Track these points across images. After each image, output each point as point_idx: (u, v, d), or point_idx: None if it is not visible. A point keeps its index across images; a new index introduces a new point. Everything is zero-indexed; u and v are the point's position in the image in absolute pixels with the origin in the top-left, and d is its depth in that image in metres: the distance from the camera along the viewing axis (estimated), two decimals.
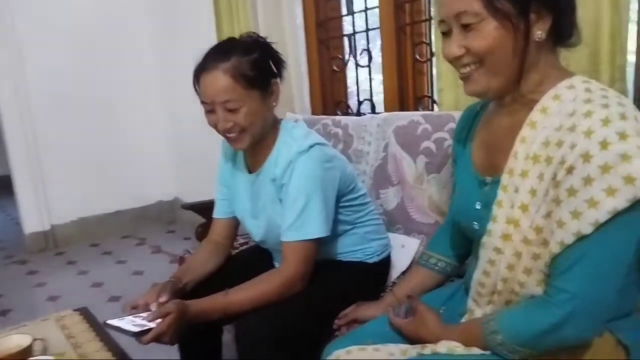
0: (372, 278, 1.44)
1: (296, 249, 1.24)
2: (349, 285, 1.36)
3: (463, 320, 1.00)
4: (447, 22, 0.87)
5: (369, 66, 2.38)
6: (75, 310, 1.47)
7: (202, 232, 2.09)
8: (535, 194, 0.82)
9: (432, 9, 2.03)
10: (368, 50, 2.36)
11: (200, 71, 1.24)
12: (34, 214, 3.53)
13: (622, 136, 0.72)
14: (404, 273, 1.49)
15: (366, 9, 2.32)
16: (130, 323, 1.11)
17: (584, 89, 0.82)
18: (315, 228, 1.24)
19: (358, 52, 2.43)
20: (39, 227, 3.56)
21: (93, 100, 3.65)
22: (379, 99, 2.32)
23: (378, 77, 2.31)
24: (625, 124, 0.73)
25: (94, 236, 3.70)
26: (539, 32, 0.82)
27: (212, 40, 2.75)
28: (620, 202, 0.72)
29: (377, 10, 2.17)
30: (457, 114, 1.43)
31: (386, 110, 2.17)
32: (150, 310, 1.17)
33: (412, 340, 1.00)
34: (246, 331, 1.17)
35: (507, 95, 0.90)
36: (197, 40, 1.62)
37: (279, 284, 1.22)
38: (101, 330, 1.31)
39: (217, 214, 1.52)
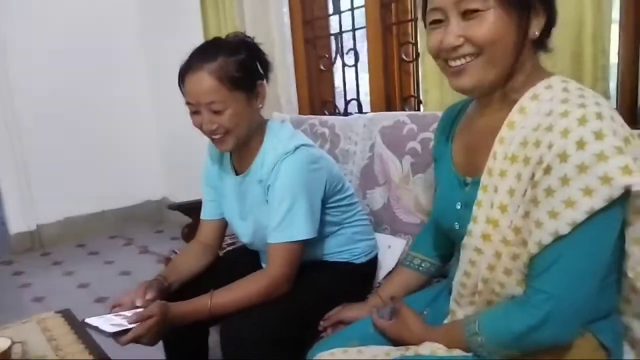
0: (359, 279, 1.44)
1: (282, 251, 1.24)
2: (336, 286, 1.35)
3: (446, 321, 1.00)
4: (443, 9, 0.83)
5: (355, 66, 2.38)
6: (57, 312, 1.46)
7: (189, 233, 2.08)
8: (513, 194, 0.82)
9: (417, 9, 2.03)
10: (355, 50, 2.36)
11: (185, 71, 1.23)
12: (20, 214, 3.50)
13: (599, 136, 0.73)
14: (390, 273, 1.49)
15: (352, 8, 2.32)
16: (109, 322, 1.10)
17: (562, 88, 0.82)
18: (301, 230, 1.24)
19: (345, 52, 2.43)
20: (24, 227, 3.52)
21: (79, 100, 3.62)
22: (366, 98, 2.32)
23: (365, 77, 2.31)
24: (602, 124, 0.73)
25: (80, 236, 3.67)
26: (535, 31, 0.83)
27: (198, 40, 2.75)
28: (597, 202, 0.72)
29: (363, 9, 2.17)
30: None
31: (372, 110, 2.17)
32: (135, 307, 1.16)
33: (395, 342, 1.00)
34: (231, 332, 1.16)
35: (494, 92, 0.88)
36: (184, 40, 1.61)
37: (264, 286, 1.22)
38: (83, 333, 1.30)
39: (204, 215, 1.51)
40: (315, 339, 1.21)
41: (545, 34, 0.85)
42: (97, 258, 3.32)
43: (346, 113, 2.45)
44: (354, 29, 2.34)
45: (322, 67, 2.56)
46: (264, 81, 1.30)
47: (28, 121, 3.44)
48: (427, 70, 1.73)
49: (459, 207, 0.96)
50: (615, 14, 1.35)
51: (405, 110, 2.07)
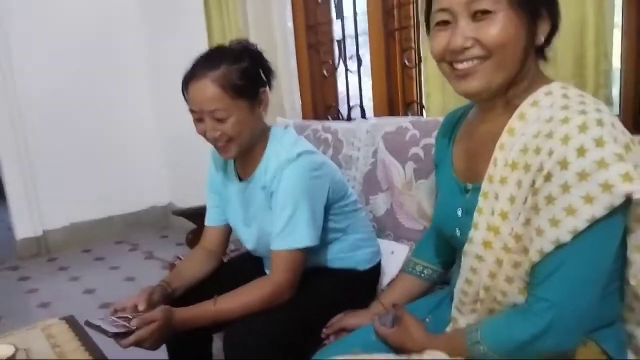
0: (362, 286, 1.43)
1: (284, 258, 1.24)
2: (339, 293, 1.35)
3: (448, 329, 0.99)
4: (451, 10, 0.81)
5: (358, 71, 2.38)
6: (61, 318, 1.46)
7: (193, 239, 2.09)
8: (514, 201, 0.82)
9: (420, 14, 2.03)
10: (357, 55, 2.36)
11: (189, 79, 1.24)
12: (26, 220, 3.51)
13: (599, 143, 0.72)
14: (393, 280, 1.49)
15: (355, 14, 2.32)
16: (112, 324, 1.10)
17: (562, 95, 0.82)
18: (303, 237, 1.24)
19: (348, 57, 2.43)
20: (30, 232, 3.54)
21: (85, 105, 3.64)
22: (369, 103, 2.33)
23: (368, 82, 2.31)
24: (603, 131, 0.73)
25: (86, 242, 3.68)
26: (541, 37, 0.82)
27: (202, 41, 2.75)
28: (598, 209, 0.72)
29: (366, 15, 2.17)
30: None
31: (375, 115, 2.17)
32: (138, 312, 1.17)
33: (397, 349, 1.00)
34: (234, 339, 1.16)
35: (498, 97, 0.87)
36: (188, 45, 1.62)
37: (267, 292, 1.22)
38: (87, 340, 1.30)
39: (208, 221, 1.52)
40: (317, 346, 1.21)
41: (546, 42, 0.85)
42: (102, 264, 3.34)
43: (349, 118, 2.46)
44: (356, 35, 2.34)
45: (325, 73, 2.57)
46: (267, 88, 1.31)
47: (34, 127, 3.45)
48: (430, 75, 1.74)
49: (459, 213, 0.95)
50: (618, 18, 1.35)
51: (408, 115, 2.07)
